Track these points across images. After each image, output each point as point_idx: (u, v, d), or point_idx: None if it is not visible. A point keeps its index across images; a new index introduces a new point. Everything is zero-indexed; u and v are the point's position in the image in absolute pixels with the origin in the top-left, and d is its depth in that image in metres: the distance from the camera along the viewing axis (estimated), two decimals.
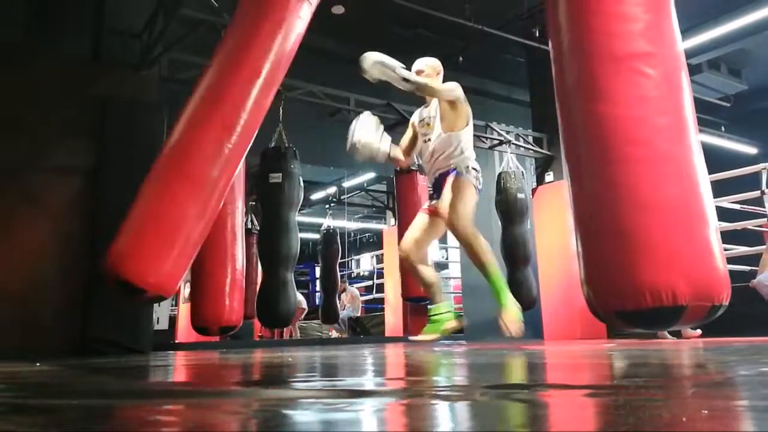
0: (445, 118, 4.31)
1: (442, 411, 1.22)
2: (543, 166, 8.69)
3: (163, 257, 3.79)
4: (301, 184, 6.21)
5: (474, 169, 4.30)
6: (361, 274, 16.96)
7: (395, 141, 4.40)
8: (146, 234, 3.84)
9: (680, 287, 2.20)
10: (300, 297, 9.44)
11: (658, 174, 2.33)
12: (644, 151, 2.35)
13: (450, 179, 4.19)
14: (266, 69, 4.02)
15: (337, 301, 11.37)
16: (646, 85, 2.43)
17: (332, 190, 13.41)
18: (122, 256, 3.79)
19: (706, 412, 1.06)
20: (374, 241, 16.89)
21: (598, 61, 2.49)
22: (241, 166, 5.22)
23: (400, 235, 4.91)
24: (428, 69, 4.41)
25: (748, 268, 6.78)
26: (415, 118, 4.54)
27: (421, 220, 4.34)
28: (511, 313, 3.86)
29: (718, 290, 2.27)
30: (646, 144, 2.36)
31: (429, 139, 4.36)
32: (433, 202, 4.34)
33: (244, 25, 4.13)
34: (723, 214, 8.76)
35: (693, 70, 9.37)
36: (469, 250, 4.10)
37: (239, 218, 5.13)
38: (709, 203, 2.39)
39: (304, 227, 9.90)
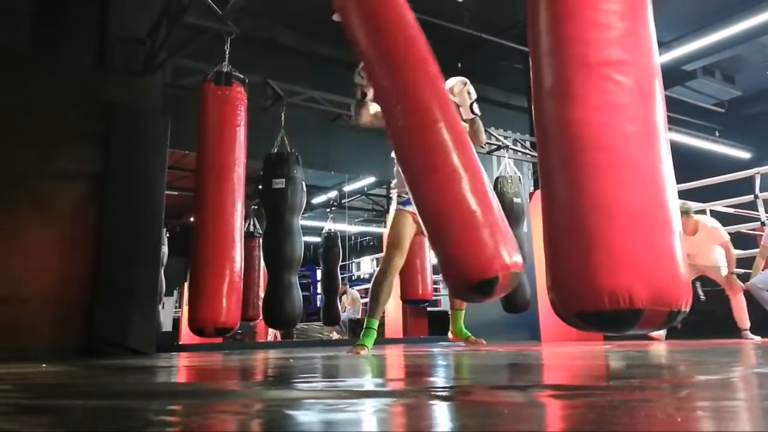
0: None
1: (441, 411, 1.22)
2: None
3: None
4: (304, 188, 6.22)
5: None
6: (362, 276, 16.95)
7: None
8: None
9: (638, 291, 2.20)
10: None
11: (623, 180, 2.33)
12: (610, 157, 2.35)
13: None
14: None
15: (338, 303, 11.37)
16: (616, 92, 2.42)
17: (333, 194, 13.41)
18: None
19: (700, 412, 1.06)
20: (374, 245, 16.90)
21: (572, 67, 2.49)
22: (242, 172, 5.24)
23: None
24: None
25: (742, 271, 6.78)
26: None
27: (412, 230, 4.37)
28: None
29: (677, 296, 2.27)
30: (613, 150, 2.36)
31: None
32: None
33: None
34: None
35: (688, 76, 9.39)
36: None
37: (238, 221, 5.13)
38: (675, 210, 2.38)
39: (306, 230, 9.90)
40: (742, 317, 5.98)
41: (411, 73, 3.61)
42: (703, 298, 5.55)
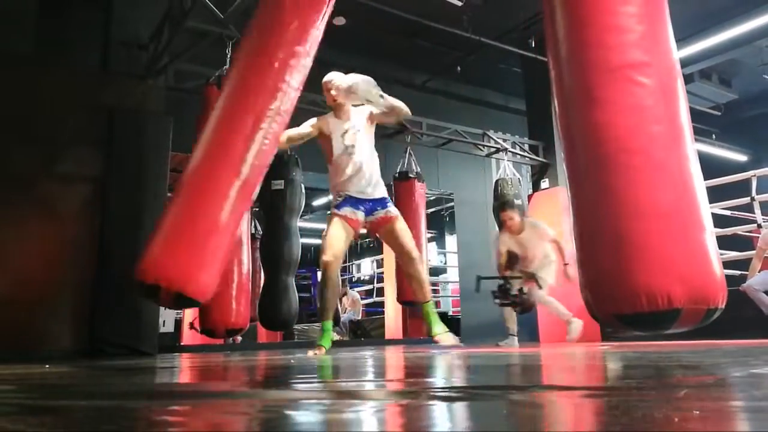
0: (370, 136, 4.48)
1: (440, 412, 1.22)
2: (539, 173, 8.70)
3: (197, 265, 3.66)
4: (303, 190, 6.22)
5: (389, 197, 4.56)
6: (362, 278, 16.94)
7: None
8: (179, 242, 3.68)
9: (675, 291, 2.21)
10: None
11: (653, 181, 2.33)
12: (639, 158, 2.36)
13: (393, 213, 4.41)
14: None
15: (339, 305, 11.36)
16: (641, 94, 2.43)
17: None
18: (158, 264, 3.66)
19: (697, 412, 1.06)
20: (374, 247, 16.86)
21: (594, 72, 2.50)
22: None
23: None
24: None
25: (739, 272, 6.78)
26: (331, 128, 4.47)
27: (346, 233, 4.33)
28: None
29: (713, 293, 2.27)
30: (641, 152, 2.36)
31: (353, 153, 4.39)
32: (368, 219, 4.41)
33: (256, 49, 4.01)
34: (714, 219, 8.76)
35: (685, 79, 9.34)
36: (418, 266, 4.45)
37: (245, 224, 5.13)
38: (705, 209, 2.39)
39: (306, 233, 9.90)
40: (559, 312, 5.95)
41: None
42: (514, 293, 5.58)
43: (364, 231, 4.65)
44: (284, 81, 3.82)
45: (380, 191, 4.44)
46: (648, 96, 2.43)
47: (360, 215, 4.35)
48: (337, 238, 4.27)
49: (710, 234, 2.35)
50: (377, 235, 4.60)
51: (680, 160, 2.40)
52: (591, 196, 2.47)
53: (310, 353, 4.14)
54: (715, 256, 2.34)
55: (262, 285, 6.65)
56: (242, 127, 3.71)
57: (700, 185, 2.41)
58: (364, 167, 4.36)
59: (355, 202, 4.35)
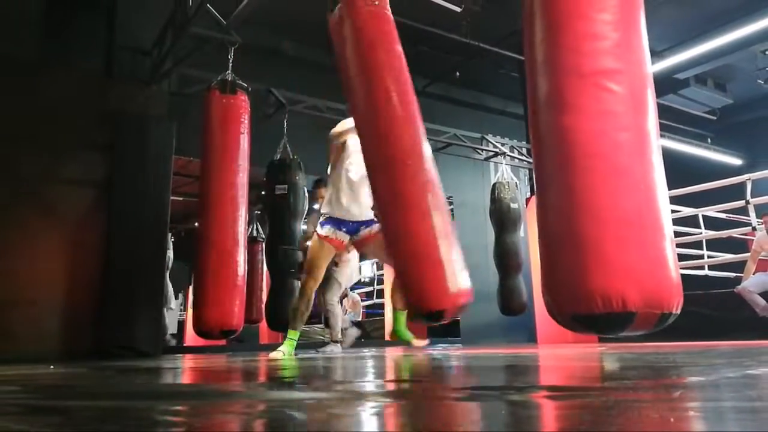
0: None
1: (439, 412, 1.22)
2: None
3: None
4: (306, 194, 6.22)
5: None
6: (362, 280, 16.92)
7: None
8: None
9: (631, 294, 2.21)
10: None
11: (616, 186, 2.33)
12: (603, 163, 2.36)
13: (378, 234, 4.22)
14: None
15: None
16: (610, 100, 2.43)
17: None
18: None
19: (692, 412, 1.07)
20: None
21: (566, 77, 2.50)
22: (245, 178, 5.24)
23: None
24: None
25: (733, 274, 6.79)
26: (350, 144, 4.46)
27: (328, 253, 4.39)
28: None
29: (668, 298, 2.27)
30: (606, 157, 2.36)
31: (350, 170, 4.38)
32: (352, 238, 4.41)
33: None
34: (709, 222, 8.78)
35: (681, 84, 9.40)
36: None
37: (242, 226, 5.13)
38: (666, 216, 2.38)
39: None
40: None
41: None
42: None
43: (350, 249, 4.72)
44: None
45: (369, 213, 4.37)
46: (617, 103, 2.43)
47: (342, 236, 4.36)
48: (323, 261, 4.36)
49: (670, 240, 2.35)
50: (363, 252, 4.62)
51: (644, 168, 2.39)
52: (554, 200, 2.47)
53: (272, 355, 4.29)
54: (673, 262, 2.33)
55: (268, 288, 6.66)
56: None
57: (662, 193, 2.41)
58: (360, 191, 4.35)
59: (337, 222, 4.35)
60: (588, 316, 2.29)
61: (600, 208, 2.32)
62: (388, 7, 3.74)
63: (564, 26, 2.55)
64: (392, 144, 3.40)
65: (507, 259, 7.64)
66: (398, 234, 3.35)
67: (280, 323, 6.28)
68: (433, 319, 3.31)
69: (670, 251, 2.33)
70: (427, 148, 3.54)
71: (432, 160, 3.54)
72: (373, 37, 3.59)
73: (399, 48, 3.69)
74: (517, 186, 8.04)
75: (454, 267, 3.25)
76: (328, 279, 5.55)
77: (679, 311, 2.32)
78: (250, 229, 8.92)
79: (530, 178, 8.92)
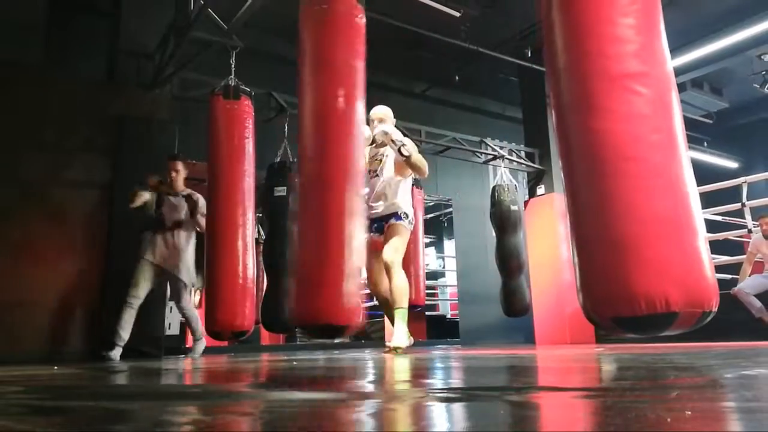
0: (400, 165, 4.50)
1: (439, 412, 1.22)
2: (535, 179, 8.71)
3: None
4: None
5: (406, 213, 4.52)
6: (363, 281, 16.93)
7: None
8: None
9: (673, 295, 2.22)
10: None
11: (651, 188, 2.34)
12: (638, 165, 2.37)
13: (393, 222, 4.46)
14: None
15: None
16: (639, 102, 2.44)
17: None
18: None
19: (689, 413, 1.06)
20: None
21: (594, 81, 2.50)
22: (251, 182, 5.24)
23: None
24: (387, 118, 4.59)
25: (730, 276, 6.78)
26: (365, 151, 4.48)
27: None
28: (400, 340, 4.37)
29: (708, 297, 2.29)
30: (640, 159, 2.37)
31: (377, 176, 4.51)
32: (375, 236, 4.49)
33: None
34: (706, 225, 8.77)
35: (678, 88, 9.40)
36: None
37: (250, 229, 5.14)
38: (698, 215, 2.40)
39: None
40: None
41: None
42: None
43: None
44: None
45: (391, 208, 4.49)
46: (645, 105, 2.44)
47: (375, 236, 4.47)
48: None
49: (704, 239, 2.37)
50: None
51: (676, 167, 2.41)
52: (590, 203, 2.47)
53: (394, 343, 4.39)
54: (708, 260, 2.35)
55: (264, 288, 6.64)
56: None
57: (694, 192, 2.43)
58: (384, 190, 4.50)
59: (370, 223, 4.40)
60: (631, 318, 2.29)
61: (638, 209, 2.33)
62: None
63: (588, 31, 2.56)
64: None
65: (509, 261, 7.64)
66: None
67: (275, 325, 6.26)
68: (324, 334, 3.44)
69: (705, 250, 2.35)
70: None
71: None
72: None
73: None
74: (516, 188, 8.04)
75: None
76: None
77: (716, 309, 2.33)
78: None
79: (528, 181, 8.93)
